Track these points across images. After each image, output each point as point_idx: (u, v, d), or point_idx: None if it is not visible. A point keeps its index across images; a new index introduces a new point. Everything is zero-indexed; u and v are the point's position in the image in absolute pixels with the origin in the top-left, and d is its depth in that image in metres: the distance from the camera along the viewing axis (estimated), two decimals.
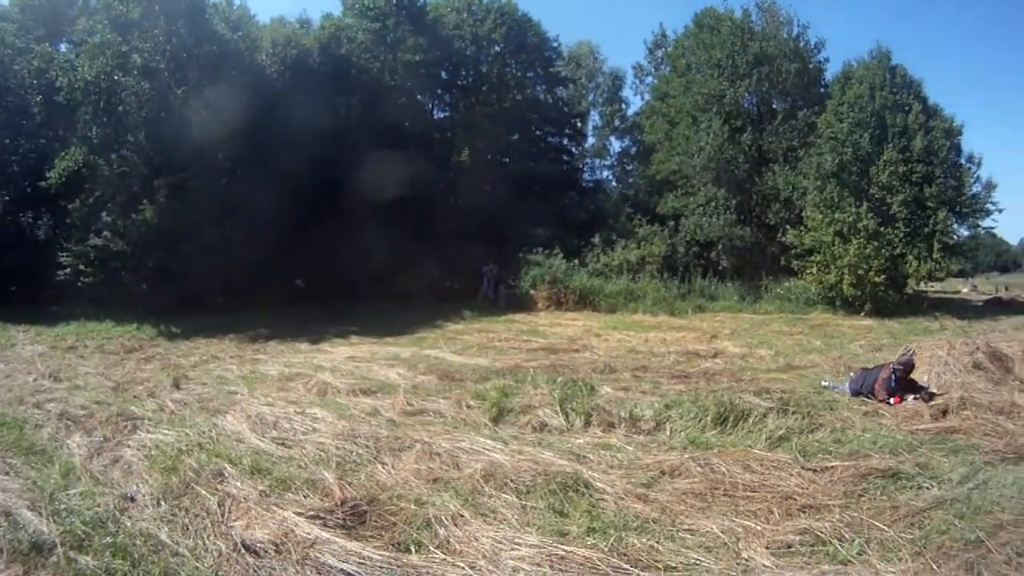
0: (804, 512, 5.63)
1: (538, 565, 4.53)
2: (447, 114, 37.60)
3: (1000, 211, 30.97)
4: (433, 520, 5.19)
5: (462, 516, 5.28)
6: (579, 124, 44.54)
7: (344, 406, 9.13)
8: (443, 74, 35.91)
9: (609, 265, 30.01)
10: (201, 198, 20.86)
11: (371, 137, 27.02)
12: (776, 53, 33.09)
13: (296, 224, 24.14)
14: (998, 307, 32.71)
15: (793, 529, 5.24)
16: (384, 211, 26.91)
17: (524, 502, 5.65)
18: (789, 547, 4.97)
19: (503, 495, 5.78)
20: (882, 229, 26.55)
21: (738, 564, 4.66)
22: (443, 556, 4.70)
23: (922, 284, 29.30)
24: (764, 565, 4.65)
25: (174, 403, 9.39)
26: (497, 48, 35.88)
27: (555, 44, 39.64)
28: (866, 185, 27.44)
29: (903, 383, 10.33)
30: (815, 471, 6.61)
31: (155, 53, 21.60)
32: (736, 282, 31.02)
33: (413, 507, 5.45)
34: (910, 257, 26.38)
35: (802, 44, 34.72)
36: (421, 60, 32.45)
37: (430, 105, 37.01)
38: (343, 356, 13.95)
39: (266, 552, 4.73)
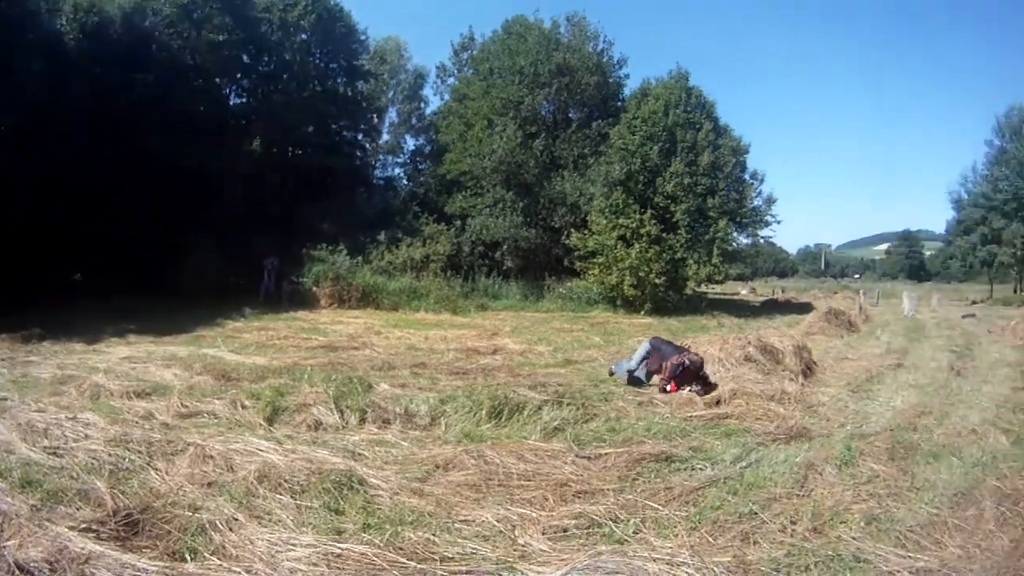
0: (579, 498, 5.78)
1: (315, 565, 4.44)
2: (244, 100, 36.26)
3: (779, 223, 33.95)
4: (208, 526, 4.98)
5: (237, 520, 5.10)
6: (376, 120, 44.44)
7: (117, 410, 8.62)
8: (245, 57, 34.35)
9: (393, 263, 30.04)
10: None
11: (163, 119, 25.81)
12: (579, 65, 34.47)
13: (75, 211, 22.72)
14: (774, 307, 36.19)
15: (568, 514, 5.37)
16: (169, 201, 26.01)
17: (299, 502, 5.53)
18: (565, 531, 5.09)
19: (278, 496, 5.63)
20: (664, 235, 28.29)
21: (515, 550, 4.72)
22: (219, 562, 4.52)
23: (703, 286, 31.56)
24: (541, 550, 4.72)
25: None
26: (304, 36, 34.65)
27: (363, 37, 39.05)
28: (652, 194, 29.12)
29: (686, 376, 10.86)
30: (589, 459, 6.85)
31: None
32: (520, 282, 32.14)
33: (188, 513, 5.21)
34: (690, 261, 28.41)
35: (605, 59, 36.59)
36: (225, 41, 31.03)
37: (227, 90, 35.50)
38: (120, 356, 13.21)
39: (41, 571, 4.37)
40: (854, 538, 5.22)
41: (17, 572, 4.29)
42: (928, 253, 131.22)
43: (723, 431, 8.45)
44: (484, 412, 8.25)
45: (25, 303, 19.53)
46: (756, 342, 12.76)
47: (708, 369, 11.53)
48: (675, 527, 5.24)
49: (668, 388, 10.68)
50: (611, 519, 5.32)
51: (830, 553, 4.93)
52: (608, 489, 6.02)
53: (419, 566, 4.42)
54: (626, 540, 4.97)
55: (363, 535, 4.88)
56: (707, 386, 10.97)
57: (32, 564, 4.38)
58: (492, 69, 36.35)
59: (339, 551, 4.58)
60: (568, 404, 8.88)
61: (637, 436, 7.92)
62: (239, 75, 35.14)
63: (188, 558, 4.57)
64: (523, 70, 34.07)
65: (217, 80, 33.87)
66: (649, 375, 11.37)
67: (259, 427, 7.80)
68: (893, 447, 7.85)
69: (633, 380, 11.39)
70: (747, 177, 32.64)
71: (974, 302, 46.61)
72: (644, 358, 11.42)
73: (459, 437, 7.61)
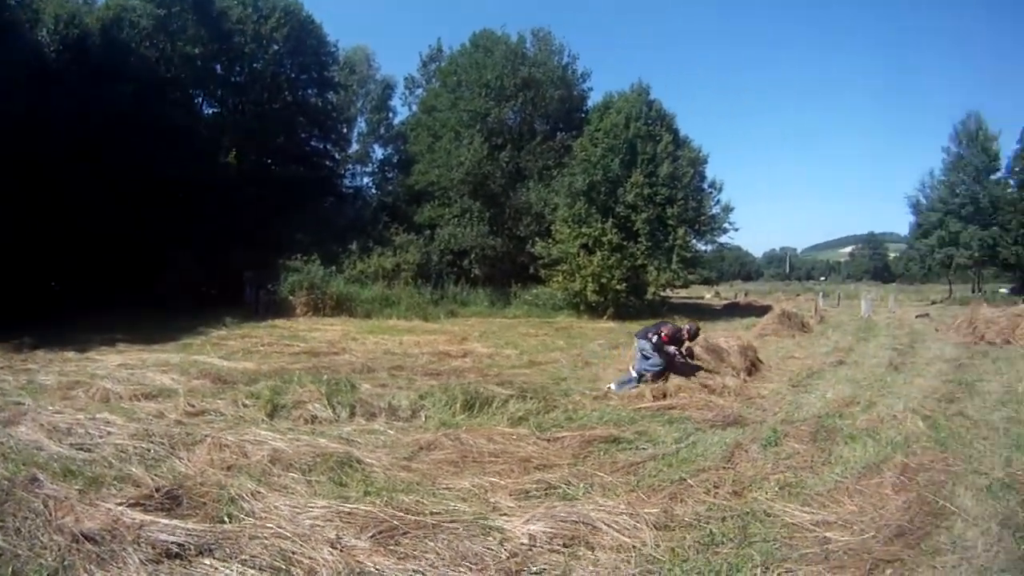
0: (540, 469, 6.89)
1: (330, 521, 5.35)
2: (216, 110, 36.45)
3: (736, 230, 35.38)
4: (236, 497, 5.81)
5: (260, 492, 5.95)
6: (345, 130, 44.44)
7: (130, 410, 9.32)
8: (218, 68, 34.84)
9: (365, 272, 30.68)
10: None
11: (140, 132, 26.25)
12: (543, 79, 35.50)
13: (52, 221, 22.86)
14: (735, 310, 37.02)
15: (530, 481, 6.47)
16: (146, 212, 26.27)
17: (308, 478, 6.43)
18: (527, 493, 6.17)
19: (290, 474, 6.53)
20: (625, 243, 29.24)
21: (487, 507, 5.79)
22: (253, 522, 5.37)
23: (667, 290, 32.44)
24: (508, 506, 5.79)
25: None
26: (276, 47, 35.16)
27: (333, 48, 39.44)
28: (613, 203, 29.92)
29: (678, 338, 12.38)
30: (549, 440, 7.96)
31: None
32: (487, 289, 33.02)
33: (217, 489, 6.01)
34: (651, 267, 29.30)
35: (569, 72, 37.39)
36: (200, 53, 31.66)
37: (200, 100, 35.73)
38: (115, 363, 13.76)
39: (103, 539, 4.97)
40: (767, 499, 6.26)
41: (82, 539, 4.98)
42: (892, 255, 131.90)
43: (667, 419, 9.51)
44: (458, 405, 9.27)
45: (9, 313, 19.74)
46: (703, 342, 13.71)
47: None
48: (617, 490, 6.32)
49: (663, 337, 11.93)
50: (565, 484, 6.42)
51: (745, 510, 5.98)
52: (563, 463, 7.11)
53: (414, 519, 5.42)
54: (576, 498, 6.05)
55: (365, 499, 5.84)
56: (691, 357, 12.52)
57: (94, 533, 5.08)
58: (460, 81, 36.96)
59: (348, 510, 5.52)
60: (531, 398, 9.99)
61: (591, 423, 9.02)
62: (212, 86, 35.42)
63: (227, 520, 5.43)
64: (489, 83, 34.94)
65: (191, 91, 34.11)
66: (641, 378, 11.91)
67: (261, 422, 8.66)
68: (816, 431, 8.91)
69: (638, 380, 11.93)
70: (705, 186, 33.90)
71: (933, 302, 47.66)
72: (653, 354, 11.93)
73: (437, 425, 8.57)
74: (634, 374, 12.04)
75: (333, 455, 7.03)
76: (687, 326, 12.94)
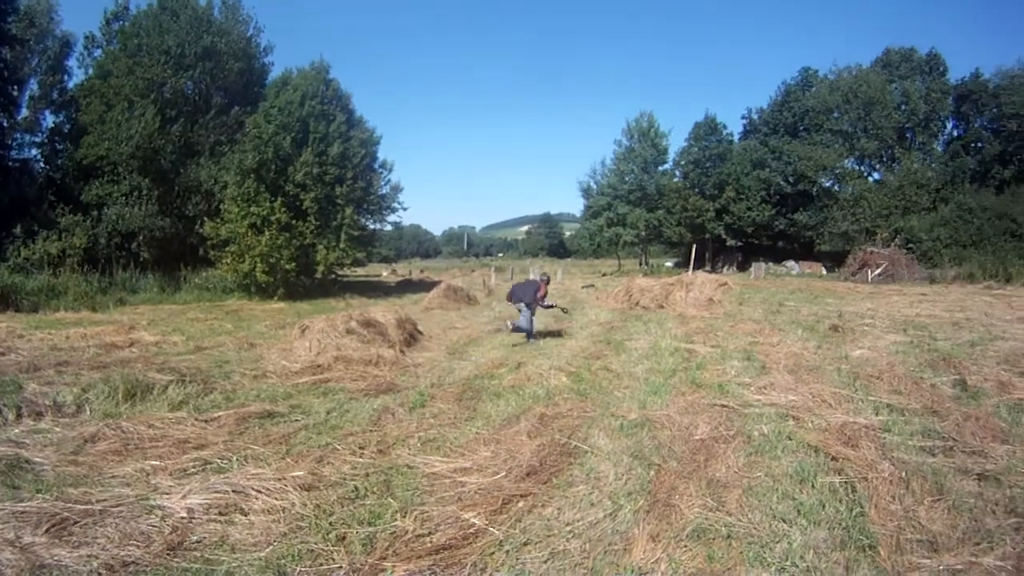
0: (197, 449, 7.42)
1: (7, 523, 5.49)
2: None
3: (405, 209, 37.05)
4: None
5: None
6: (15, 92, 38.61)
7: None
8: None
9: (30, 259, 28.61)
10: None
11: None
12: (226, 50, 34.68)
13: None
14: (408, 286, 39.13)
15: (188, 460, 7.03)
16: None
17: None
18: (186, 471, 6.73)
19: None
20: (295, 222, 29.82)
21: (149, 488, 6.29)
22: None
23: (345, 269, 33.52)
24: (168, 485, 6.32)
25: None
26: None
27: None
28: (283, 182, 30.35)
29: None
30: (206, 421, 8.48)
31: None
32: (157, 274, 31.67)
33: None
34: (320, 247, 30.23)
35: (252, 45, 36.99)
36: None
37: None
38: None
39: None
40: (410, 455, 7.23)
41: None
42: (568, 233, 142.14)
43: (322, 391, 10.43)
44: (120, 395, 9.52)
45: None
46: (359, 317, 14.72)
47: (315, 340, 13.48)
48: (268, 459, 7.04)
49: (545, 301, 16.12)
50: (219, 459, 7.07)
51: (388, 466, 6.90)
52: (219, 441, 7.72)
53: (83, 508, 5.79)
54: (230, 471, 6.70)
55: (37, 497, 6.07)
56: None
57: None
58: (140, 45, 34.77)
59: (22, 510, 5.73)
60: (191, 382, 10.42)
61: (248, 402, 9.69)
62: None
63: None
64: (171, 50, 33.67)
65: None
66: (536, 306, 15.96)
67: None
68: (463, 391, 10.19)
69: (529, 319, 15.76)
70: (376, 167, 34.98)
71: (604, 274, 52.32)
72: (531, 313, 15.44)
73: (101, 417, 8.74)
74: (523, 324, 15.60)
75: (3, 459, 7.14)
76: (543, 276, 16.36)
